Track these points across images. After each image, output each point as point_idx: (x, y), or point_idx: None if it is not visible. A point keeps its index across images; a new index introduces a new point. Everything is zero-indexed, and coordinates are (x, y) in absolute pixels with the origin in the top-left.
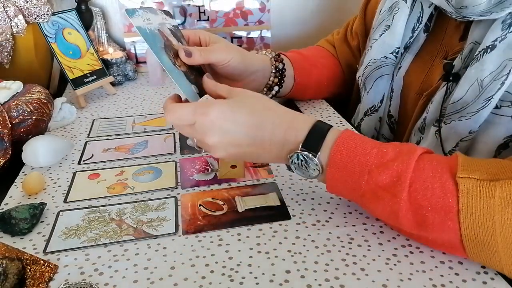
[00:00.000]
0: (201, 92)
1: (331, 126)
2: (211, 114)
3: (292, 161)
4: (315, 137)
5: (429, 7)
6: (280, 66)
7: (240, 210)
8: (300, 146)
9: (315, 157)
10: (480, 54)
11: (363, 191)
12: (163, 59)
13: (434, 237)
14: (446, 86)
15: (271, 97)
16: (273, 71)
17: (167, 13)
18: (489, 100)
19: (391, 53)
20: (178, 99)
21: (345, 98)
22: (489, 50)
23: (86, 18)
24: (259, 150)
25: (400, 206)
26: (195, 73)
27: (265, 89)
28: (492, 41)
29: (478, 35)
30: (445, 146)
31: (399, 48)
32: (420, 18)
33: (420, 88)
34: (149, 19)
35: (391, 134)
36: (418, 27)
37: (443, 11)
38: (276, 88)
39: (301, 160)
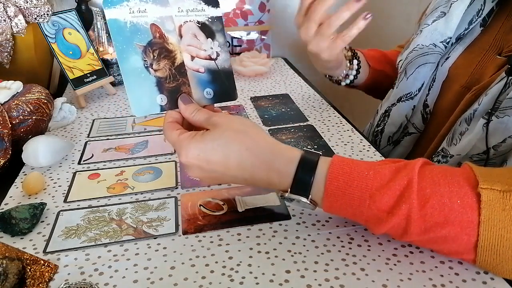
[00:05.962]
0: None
1: (319, 156)
2: (182, 156)
3: (284, 199)
4: (303, 177)
5: (492, 1)
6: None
7: (240, 210)
8: (289, 191)
9: (307, 199)
10: None
11: (365, 217)
12: (128, 58)
13: (443, 248)
14: (506, 79)
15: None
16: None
17: (209, 2)
18: None
19: (441, 42)
20: (178, 115)
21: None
22: None
23: (86, 18)
24: (243, 183)
25: (408, 223)
26: (184, 80)
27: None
28: None
29: None
30: (490, 140)
31: (450, 38)
32: (481, 11)
33: (467, 82)
34: (143, 11)
35: (423, 125)
36: (476, 20)
37: None
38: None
39: (294, 200)
